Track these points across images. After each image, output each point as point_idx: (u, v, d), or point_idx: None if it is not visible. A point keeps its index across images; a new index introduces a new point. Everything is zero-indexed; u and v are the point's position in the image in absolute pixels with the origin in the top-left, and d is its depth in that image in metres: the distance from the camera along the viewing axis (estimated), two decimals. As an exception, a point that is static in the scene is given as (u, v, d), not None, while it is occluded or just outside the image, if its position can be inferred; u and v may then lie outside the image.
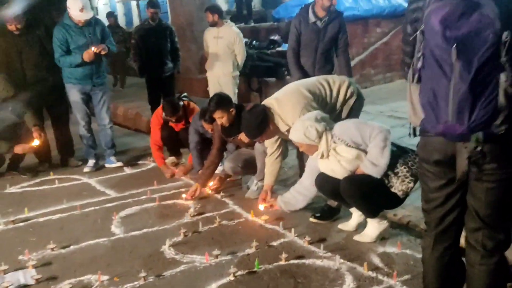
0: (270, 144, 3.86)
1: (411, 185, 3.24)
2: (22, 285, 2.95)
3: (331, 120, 3.44)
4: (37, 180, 5.08)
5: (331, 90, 3.70)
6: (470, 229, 2.12)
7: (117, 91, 9.91)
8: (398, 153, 3.32)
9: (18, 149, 4.91)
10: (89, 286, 2.93)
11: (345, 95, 3.72)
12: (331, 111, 3.63)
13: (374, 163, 3.20)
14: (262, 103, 3.73)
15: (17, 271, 3.11)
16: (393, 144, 3.32)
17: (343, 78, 3.83)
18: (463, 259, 2.20)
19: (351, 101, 3.73)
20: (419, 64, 1.96)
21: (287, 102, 3.60)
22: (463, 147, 1.95)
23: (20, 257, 3.32)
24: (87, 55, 4.92)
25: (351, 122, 3.45)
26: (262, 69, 7.87)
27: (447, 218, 2.13)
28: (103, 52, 5.00)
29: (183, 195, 4.34)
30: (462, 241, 2.22)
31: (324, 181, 3.42)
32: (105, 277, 3.01)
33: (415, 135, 2.22)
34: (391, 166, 3.25)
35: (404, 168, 3.25)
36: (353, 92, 3.73)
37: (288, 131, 3.53)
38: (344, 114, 3.73)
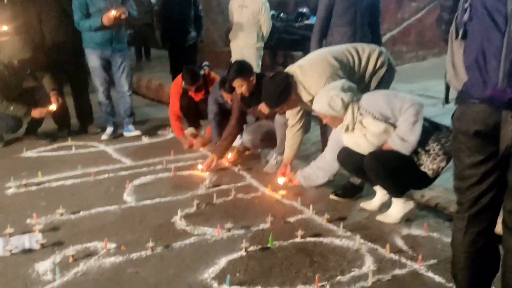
0: (292, 116, 3.64)
1: (443, 164, 2.98)
2: (27, 249, 2.85)
3: (358, 91, 3.18)
4: (54, 146, 5.00)
5: (360, 59, 3.42)
6: (509, 211, 1.87)
7: (142, 64, 9.76)
8: (431, 129, 3.06)
9: (35, 113, 4.83)
10: (95, 253, 2.81)
11: (375, 65, 3.43)
12: (359, 82, 3.36)
13: (403, 139, 2.95)
14: (285, 70, 3.49)
15: (23, 235, 3.01)
16: (425, 119, 3.04)
17: (373, 47, 3.53)
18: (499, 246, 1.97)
19: (381, 72, 3.44)
20: (466, 17, 1.70)
21: (311, 70, 3.35)
22: (509, 116, 1.69)
23: (28, 221, 3.22)
24: (107, 19, 4.76)
25: (380, 93, 3.18)
26: (289, 43, 7.61)
27: (482, 199, 1.89)
28: (123, 16, 4.82)
29: (199, 166, 4.18)
30: (499, 228, 1.98)
31: (347, 156, 3.19)
32: (112, 245, 2.89)
33: (447, 102, 1.97)
34: (422, 142, 2.98)
35: (437, 145, 2.98)
36: (383, 62, 3.44)
37: (311, 101, 3.29)
38: (373, 85, 3.44)
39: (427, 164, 2.99)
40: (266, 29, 5.96)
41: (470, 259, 1.96)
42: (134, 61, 9.45)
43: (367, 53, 3.45)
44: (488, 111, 1.75)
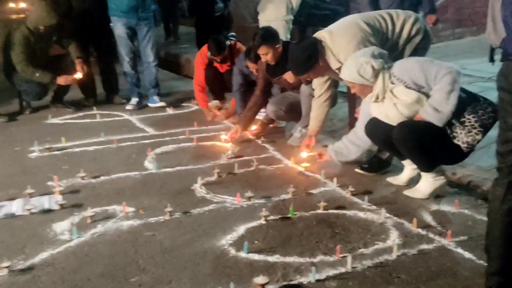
0: (319, 85, 3.49)
1: (479, 137, 2.80)
2: (46, 209, 2.85)
3: (390, 59, 3.01)
4: (80, 114, 5.02)
5: (393, 25, 3.23)
6: None
7: (170, 41, 9.66)
8: (467, 100, 2.86)
9: (61, 80, 4.83)
10: (113, 216, 2.78)
11: (410, 31, 3.24)
12: (391, 49, 3.18)
13: (437, 109, 2.77)
14: (314, 35, 3.33)
15: (43, 196, 3.01)
16: (462, 89, 2.85)
17: (409, 13, 3.33)
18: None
19: (417, 39, 3.24)
20: None
21: (341, 35, 3.18)
22: None
23: (49, 183, 3.22)
24: None
25: (414, 60, 3.00)
26: (319, 18, 7.35)
27: None
28: None
29: (222, 136, 4.09)
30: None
31: (375, 127, 3.03)
32: (130, 209, 2.85)
33: (492, 60, 1.81)
34: (457, 113, 2.80)
35: (473, 117, 2.80)
36: (419, 29, 3.24)
37: (339, 69, 3.14)
38: (406, 53, 3.26)
39: (461, 137, 2.81)
40: (296, 1, 5.77)
41: (506, 230, 1.81)
42: (163, 37, 9.37)
43: (401, 20, 3.26)
44: None
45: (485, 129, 2.78)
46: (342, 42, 3.15)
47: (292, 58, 3.29)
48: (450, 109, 2.76)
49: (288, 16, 5.82)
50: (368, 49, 2.98)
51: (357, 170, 3.42)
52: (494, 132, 2.11)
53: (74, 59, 4.92)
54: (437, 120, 2.79)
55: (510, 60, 1.67)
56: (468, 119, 2.80)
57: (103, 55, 5.41)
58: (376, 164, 3.41)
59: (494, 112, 2.76)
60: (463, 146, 2.82)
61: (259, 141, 4.13)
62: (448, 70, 2.76)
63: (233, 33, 4.98)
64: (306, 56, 3.17)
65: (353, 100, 3.97)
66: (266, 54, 3.74)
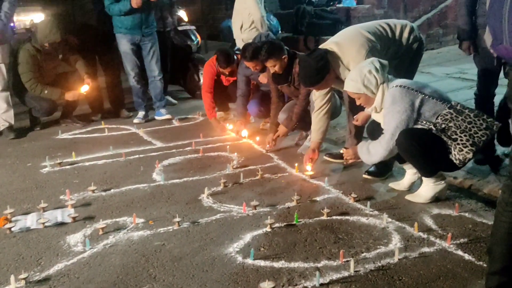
0: (320, 97, 3.57)
1: (470, 156, 2.85)
2: (59, 222, 2.95)
3: (391, 68, 3.10)
4: (89, 129, 5.15)
5: (393, 34, 3.34)
6: None
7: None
8: (466, 117, 2.91)
9: (69, 95, 4.97)
10: (124, 227, 2.88)
11: (408, 40, 3.35)
12: (392, 57, 3.28)
13: (370, 152, 3.06)
14: (320, 46, 3.41)
15: (56, 210, 3.12)
16: (462, 106, 2.91)
17: (404, 22, 3.44)
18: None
19: (414, 47, 3.34)
20: None
21: (349, 45, 3.26)
22: None
23: (61, 197, 3.33)
24: (135, 1, 4.83)
25: (396, 106, 2.93)
26: (320, 27, 7.49)
27: None
28: None
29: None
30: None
31: (376, 129, 3.14)
32: (140, 220, 2.95)
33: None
34: (450, 132, 2.87)
35: (465, 135, 2.84)
36: (416, 37, 3.35)
37: None
38: (406, 60, 3.36)
39: (454, 153, 2.87)
40: None
41: (509, 230, 1.88)
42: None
43: (399, 29, 3.37)
44: None
45: (476, 147, 2.83)
46: (352, 51, 3.23)
47: (305, 70, 3.32)
48: (375, 161, 3.13)
49: None
50: (369, 60, 3.06)
51: (365, 175, 3.50)
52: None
53: (83, 75, 5.05)
54: (365, 159, 3.13)
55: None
56: (460, 137, 2.84)
57: (109, 70, 5.55)
58: (381, 169, 3.49)
59: (488, 129, 2.83)
60: (456, 162, 2.88)
61: (264, 151, 4.23)
62: (392, 136, 2.93)
63: (239, 47, 5.08)
64: (319, 67, 3.24)
65: (351, 109, 4.04)
66: (274, 66, 3.85)
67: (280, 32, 7.15)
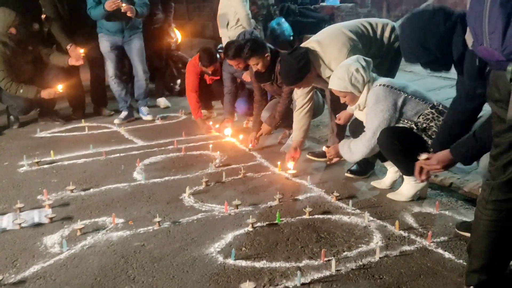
0: (301, 96, 3.56)
1: None
2: (36, 223, 2.88)
3: (374, 67, 3.09)
4: (68, 127, 5.06)
5: (374, 33, 3.34)
6: None
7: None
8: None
9: (45, 94, 4.85)
10: (103, 227, 2.82)
11: (389, 39, 3.35)
12: (374, 56, 3.27)
13: (351, 150, 3.05)
14: (302, 45, 3.40)
15: (33, 210, 3.05)
16: (440, 105, 2.93)
17: (385, 21, 3.45)
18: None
19: (395, 46, 3.35)
20: None
21: (331, 44, 3.25)
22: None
23: (39, 197, 3.26)
24: (108, 4, 4.75)
25: (379, 105, 2.94)
26: (304, 25, 7.50)
27: (510, 168, 1.80)
28: (129, 14, 4.84)
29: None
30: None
31: (358, 127, 3.14)
32: (120, 220, 2.90)
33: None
34: (431, 131, 2.87)
35: None
36: (397, 36, 3.34)
37: (329, 78, 3.21)
38: (388, 59, 3.37)
39: None
40: None
41: (490, 229, 1.89)
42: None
43: (380, 27, 3.37)
44: (502, 76, 1.68)
45: None
46: (334, 50, 3.22)
47: (286, 69, 3.31)
48: (357, 159, 3.14)
49: None
50: (354, 57, 3.04)
51: (347, 174, 3.50)
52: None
53: (65, 47, 4.97)
54: (347, 157, 3.12)
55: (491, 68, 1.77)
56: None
57: (95, 67, 5.45)
58: (363, 167, 3.49)
59: None
60: None
61: (246, 149, 4.21)
62: (373, 135, 2.92)
63: (222, 45, 5.04)
64: (300, 66, 3.23)
65: (333, 108, 4.04)
66: (257, 64, 3.82)
67: (291, 36, 7.13)
